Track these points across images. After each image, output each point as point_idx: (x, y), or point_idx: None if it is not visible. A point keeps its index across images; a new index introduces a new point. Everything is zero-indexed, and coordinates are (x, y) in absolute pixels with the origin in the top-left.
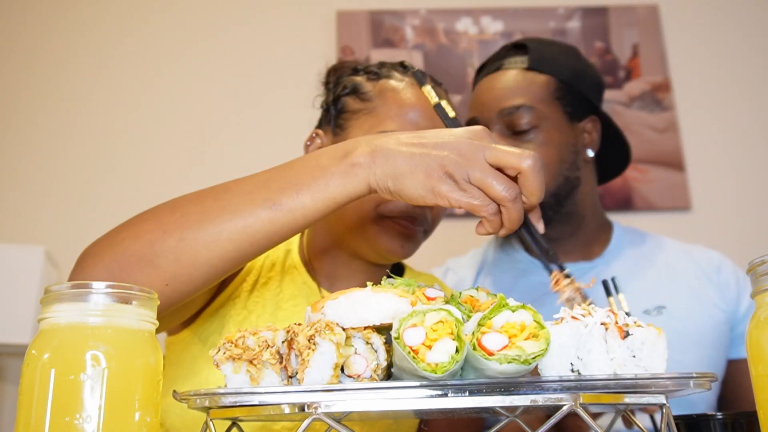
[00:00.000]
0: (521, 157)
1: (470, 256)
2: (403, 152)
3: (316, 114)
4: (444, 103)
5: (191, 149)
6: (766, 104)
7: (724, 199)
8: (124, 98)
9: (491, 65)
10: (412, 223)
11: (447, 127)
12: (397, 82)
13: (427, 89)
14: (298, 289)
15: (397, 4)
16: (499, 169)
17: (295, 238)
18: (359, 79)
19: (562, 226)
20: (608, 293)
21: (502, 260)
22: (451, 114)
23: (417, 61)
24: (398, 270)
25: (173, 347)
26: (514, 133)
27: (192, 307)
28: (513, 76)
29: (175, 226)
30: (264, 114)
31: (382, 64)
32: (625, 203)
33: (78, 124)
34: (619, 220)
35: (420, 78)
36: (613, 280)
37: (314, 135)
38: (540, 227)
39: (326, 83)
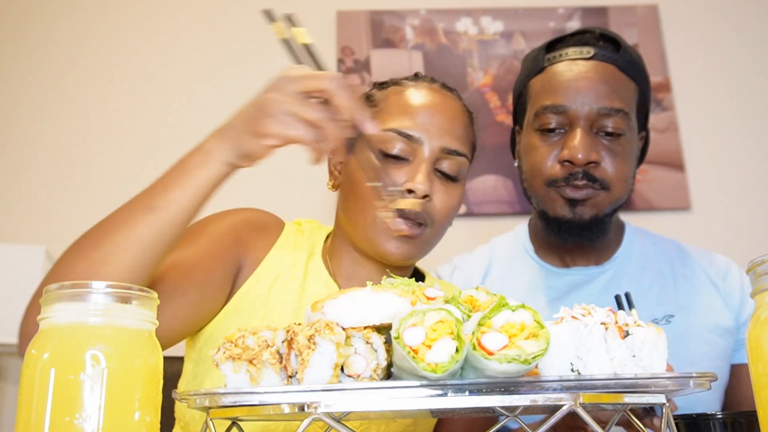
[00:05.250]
0: (323, 80)
1: (477, 254)
2: (236, 120)
3: None
4: (303, 32)
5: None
6: (766, 104)
7: (724, 199)
8: (124, 98)
9: (579, 48)
10: (405, 222)
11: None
12: (402, 86)
13: (278, 26)
14: (320, 289)
15: (397, 4)
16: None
17: (319, 241)
18: (373, 90)
19: (592, 234)
20: (620, 307)
21: (512, 258)
22: (307, 41)
23: (417, 61)
24: (420, 279)
25: (194, 344)
26: (606, 134)
27: (210, 308)
28: (612, 73)
29: (75, 263)
30: None
31: (397, 78)
32: (625, 203)
33: (78, 124)
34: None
35: (269, 15)
36: (627, 295)
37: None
38: (371, 127)
39: None
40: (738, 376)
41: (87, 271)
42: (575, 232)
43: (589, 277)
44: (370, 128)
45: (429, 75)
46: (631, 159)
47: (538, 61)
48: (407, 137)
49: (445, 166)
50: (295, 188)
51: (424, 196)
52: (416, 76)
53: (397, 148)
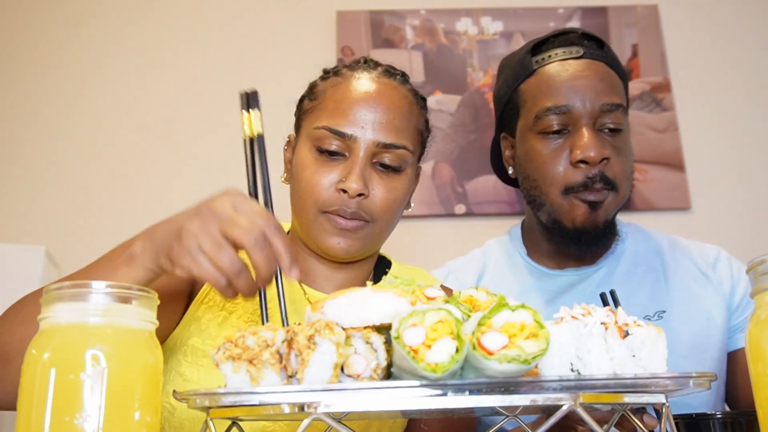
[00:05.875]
0: (245, 232)
1: (471, 257)
2: (161, 233)
3: None
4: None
5: (191, 149)
6: (766, 104)
7: (723, 199)
8: (124, 99)
9: (567, 48)
10: (345, 217)
11: (249, 163)
12: (340, 77)
13: (245, 115)
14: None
15: (397, 4)
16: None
17: None
18: (317, 80)
19: (607, 240)
20: (605, 306)
21: (505, 261)
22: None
23: (417, 61)
24: (385, 263)
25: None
26: (608, 132)
27: (170, 320)
28: (604, 70)
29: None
30: (264, 114)
31: (343, 64)
32: (625, 203)
33: (78, 124)
34: (621, 220)
35: (247, 101)
36: (612, 293)
37: (288, 140)
38: (293, 274)
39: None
40: (734, 362)
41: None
42: (592, 241)
43: (582, 276)
44: (292, 275)
45: (373, 60)
46: (631, 155)
47: (525, 65)
48: (340, 135)
49: (386, 159)
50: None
51: (359, 195)
52: (359, 63)
53: (334, 144)
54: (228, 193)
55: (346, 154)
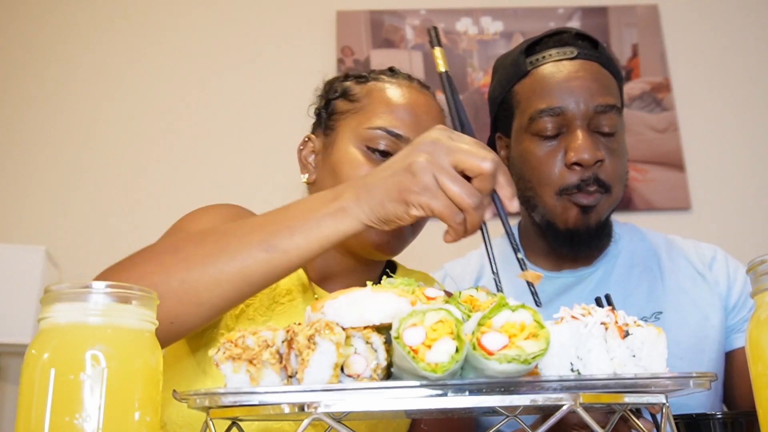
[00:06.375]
0: (482, 160)
1: (468, 260)
2: (379, 179)
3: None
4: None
5: (190, 149)
6: (766, 104)
7: (723, 199)
8: (123, 99)
9: (561, 49)
10: None
11: (449, 99)
12: (384, 83)
13: (439, 51)
14: (293, 284)
15: (397, 4)
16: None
17: None
18: (348, 83)
19: (600, 241)
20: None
21: (502, 263)
22: (442, 67)
23: (417, 61)
24: (390, 268)
25: (170, 348)
26: (603, 134)
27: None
28: (598, 71)
29: (177, 269)
30: (264, 114)
31: (371, 71)
32: (625, 203)
33: (78, 124)
34: (619, 220)
35: (433, 37)
36: (607, 297)
37: (306, 139)
38: (513, 205)
39: (320, 93)
40: (732, 363)
41: (181, 286)
42: (584, 242)
43: (579, 278)
44: (512, 206)
45: (405, 72)
46: (625, 157)
47: (519, 66)
48: (396, 136)
49: None
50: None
51: None
52: (392, 71)
53: (382, 144)
54: (439, 128)
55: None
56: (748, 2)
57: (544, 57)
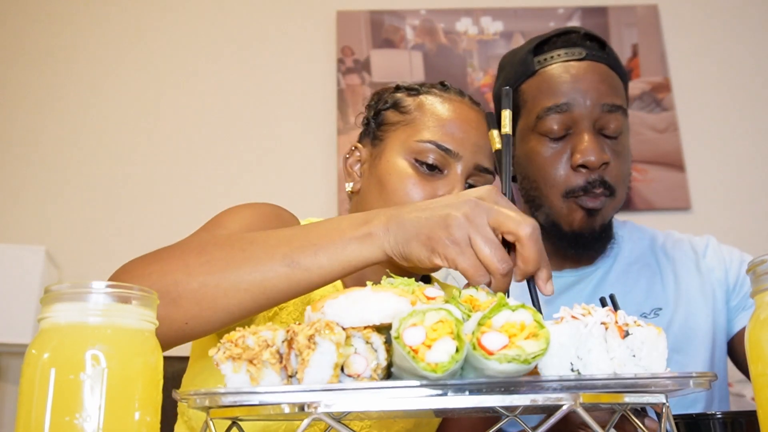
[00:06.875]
0: (521, 225)
1: None
2: (413, 218)
3: (318, 118)
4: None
5: (191, 149)
6: (766, 104)
7: (723, 199)
8: (124, 99)
9: (570, 49)
10: None
11: (505, 165)
12: (435, 97)
13: (494, 134)
14: (328, 290)
15: (397, 4)
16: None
17: None
18: (400, 95)
19: (603, 243)
20: None
21: None
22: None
23: (417, 61)
24: (425, 279)
25: (198, 341)
26: (608, 136)
27: None
28: (606, 72)
29: (200, 271)
30: (264, 113)
31: (422, 83)
32: (625, 203)
33: (79, 125)
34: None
35: (490, 121)
36: (611, 297)
37: (353, 148)
38: (548, 289)
39: (369, 103)
40: (742, 342)
41: (201, 289)
42: (588, 245)
43: (580, 277)
44: (546, 290)
45: (456, 86)
46: (629, 159)
47: (527, 65)
48: (446, 151)
49: (479, 182)
50: (290, 188)
51: None
52: (443, 86)
53: (431, 157)
54: (488, 187)
55: (445, 170)
56: (748, 2)
57: (552, 57)
